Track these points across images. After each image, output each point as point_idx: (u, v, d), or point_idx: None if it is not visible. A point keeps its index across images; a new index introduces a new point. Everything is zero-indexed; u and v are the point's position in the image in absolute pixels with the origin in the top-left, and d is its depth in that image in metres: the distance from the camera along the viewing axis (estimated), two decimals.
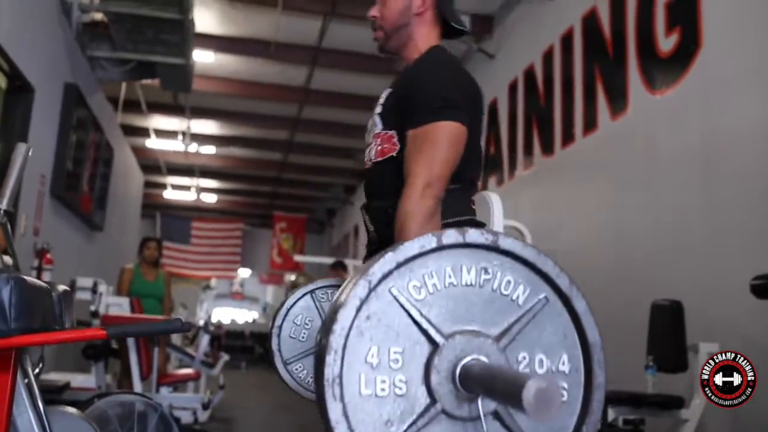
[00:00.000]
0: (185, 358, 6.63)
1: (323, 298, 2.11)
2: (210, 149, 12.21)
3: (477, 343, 0.98)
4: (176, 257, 17.09)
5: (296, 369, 2.08)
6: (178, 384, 5.32)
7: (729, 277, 3.80)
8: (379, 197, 1.79)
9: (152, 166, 13.16)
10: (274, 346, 2.06)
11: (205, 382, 6.77)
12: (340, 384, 0.92)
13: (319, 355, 0.95)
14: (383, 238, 1.70)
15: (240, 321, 21.31)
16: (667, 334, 3.81)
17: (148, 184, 13.53)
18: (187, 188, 15.47)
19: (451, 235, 1.00)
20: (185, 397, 4.64)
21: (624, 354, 4.41)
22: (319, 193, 15.56)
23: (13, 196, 2.41)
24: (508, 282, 1.03)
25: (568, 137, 5.73)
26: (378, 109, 1.80)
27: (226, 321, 21.16)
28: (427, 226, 1.51)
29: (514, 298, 1.03)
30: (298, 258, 13.31)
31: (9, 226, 2.68)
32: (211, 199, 16.32)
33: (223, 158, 13.06)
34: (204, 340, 6.06)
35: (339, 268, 7.18)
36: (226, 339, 16.62)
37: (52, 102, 4.65)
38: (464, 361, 0.96)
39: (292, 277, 15.41)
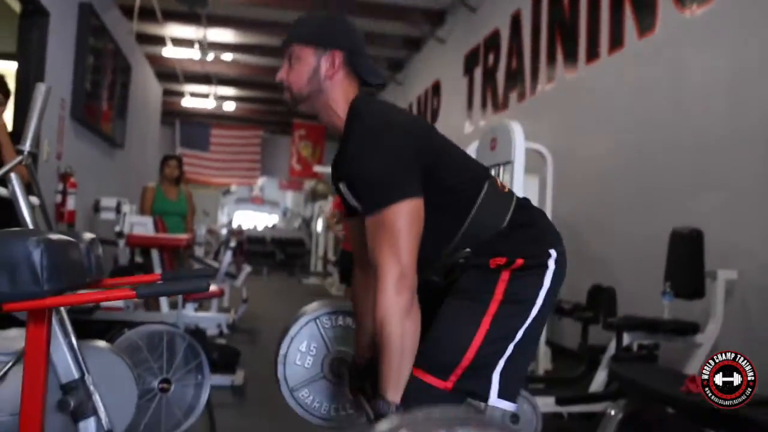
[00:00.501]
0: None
1: (327, 324, 2.10)
2: (227, 57, 12.06)
3: None
4: (196, 164, 17.21)
5: (302, 395, 2.09)
6: (203, 300, 5.44)
7: (750, 205, 3.78)
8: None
9: (169, 74, 13.05)
10: (280, 374, 2.05)
11: (229, 294, 6.95)
12: None
13: None
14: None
15: (260, 226, 21.67)
16: (686, 261, 3.82)
17: (165, 92, 13.45)
18: (205, 96, 15.37)
19: None
20: (211, 317, 4.77)
21: (642, 279, 4.46)
22: None
23: (35, 137, 2.42)
24: None
25: (592, 54, 5.59)
26: (353, 201, 1.75)
27: (246, 226, 21.52)
28: (407, 321, 1.53)
29: None
30: (317, 168, 13.36)
31: (33, 167, 2.71)
32: (229, 107, 16.23)
33: (241, 66, 12.91)
34: (227, 256, 6.17)
35: None
36: (248, 245, 16.92)
37: (68, 23, 4.58)
38: None
39: (312, 183, 15.46)
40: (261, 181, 20.13)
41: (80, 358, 2.25)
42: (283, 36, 1.78)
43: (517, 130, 3.40)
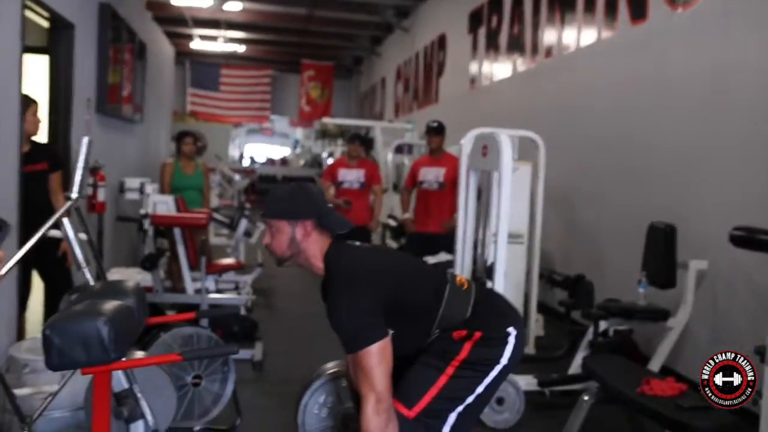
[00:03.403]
0: (226, 228, 7.21)
1: (343, 384, 2.56)
2: (237, 6, 12.20)
3: None
4: (207, 104, 17.49)
5: None
6: (223, 271, 5.86)
7: (724, 199, 4.11)
8: None
9: (179, 19, 13.20)
10: (299, 420, 2.55)
11: (245, 252, 7.36)
12: None
13: None
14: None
15: (273, 157, 22.09)
16: (660, 253, 4.18)
17: (174, 35, 13.63)
18: (214, 39, 15.50)
19: None
20: (231, 300, 5.11)
21: (625, 264, 4.83)
22: (345, 43, 15.55)
23: (83, 185, 2.84)
24: None
25: (587, 34, 5.82)
26: None
27: (257, 159, 21.95)
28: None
29: None
30: (326, 120, 13.58)
31: (81, 210, 3.12)
32: (239, 48, 16.34)
33: (250, 13, 13.03)
34: (242, 223, 6.57)
35: (356, 142, 6.38)
36: (259, 183, 17.28)
37: (89, 29, 4.80)
38: None
39: (323, 120, 15.48)
40: (271, 118, 20.38)
41: (128, 371, 2.71)
42: None
43: (506, 146, 3.69)
